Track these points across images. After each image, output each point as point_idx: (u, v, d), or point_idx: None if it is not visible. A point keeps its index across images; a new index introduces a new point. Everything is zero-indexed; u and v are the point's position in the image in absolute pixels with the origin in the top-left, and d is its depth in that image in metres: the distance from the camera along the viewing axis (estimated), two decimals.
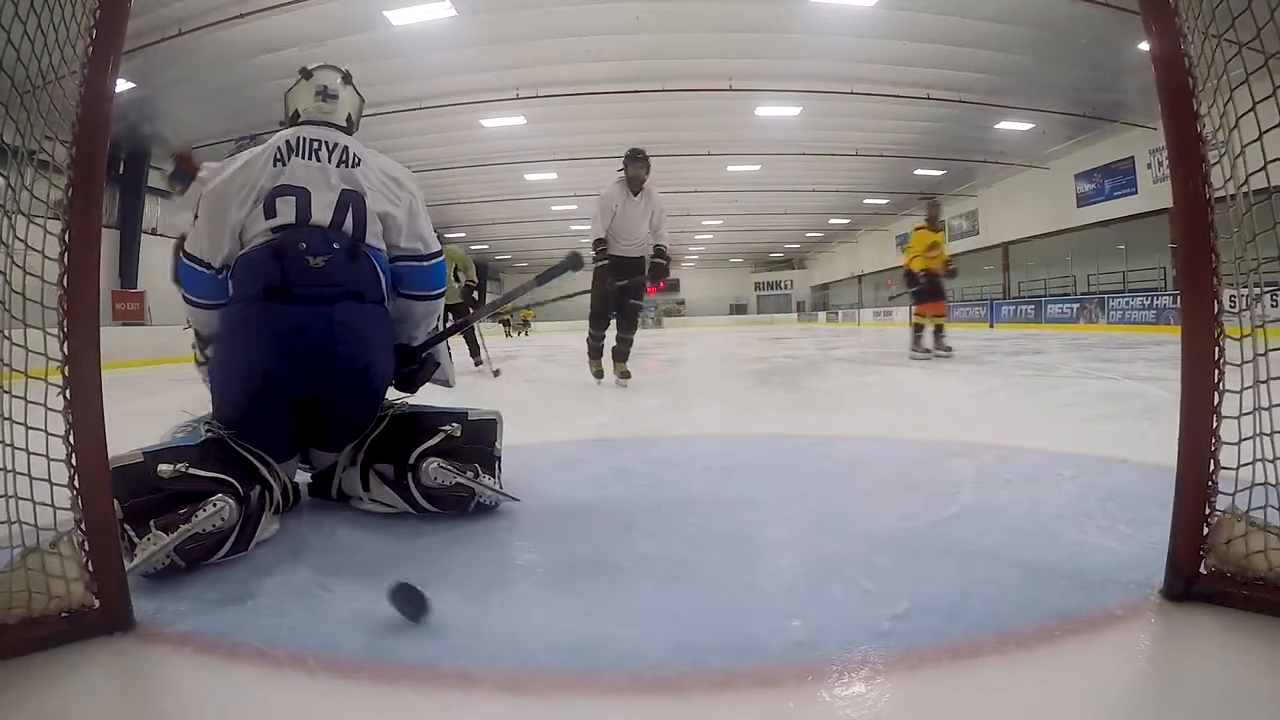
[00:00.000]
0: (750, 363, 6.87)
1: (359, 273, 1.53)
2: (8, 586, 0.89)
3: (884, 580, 1.09)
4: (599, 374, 4.46)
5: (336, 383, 1.51)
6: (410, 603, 0.96)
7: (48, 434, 0.92)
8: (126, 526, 1.16)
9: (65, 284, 0.92)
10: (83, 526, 0.94)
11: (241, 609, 1.05)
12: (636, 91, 11.95)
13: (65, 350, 0.93)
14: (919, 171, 18.30)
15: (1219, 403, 0.92)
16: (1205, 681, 0.80)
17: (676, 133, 14.77)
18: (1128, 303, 12.66)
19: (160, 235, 15.21)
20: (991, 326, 16.38)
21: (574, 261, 2.16)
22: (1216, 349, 0.92)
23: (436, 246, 1.73)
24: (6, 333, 0.90)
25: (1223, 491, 0.94)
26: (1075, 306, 14.33)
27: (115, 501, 1.08)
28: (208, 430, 1.43)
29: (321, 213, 1.52)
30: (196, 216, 1.58)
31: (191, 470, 1.27)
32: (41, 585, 0.90)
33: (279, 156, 1.56)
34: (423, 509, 1.50)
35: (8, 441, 0.91)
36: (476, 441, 1.60)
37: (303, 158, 1.56)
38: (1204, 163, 0.93)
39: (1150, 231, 14.53)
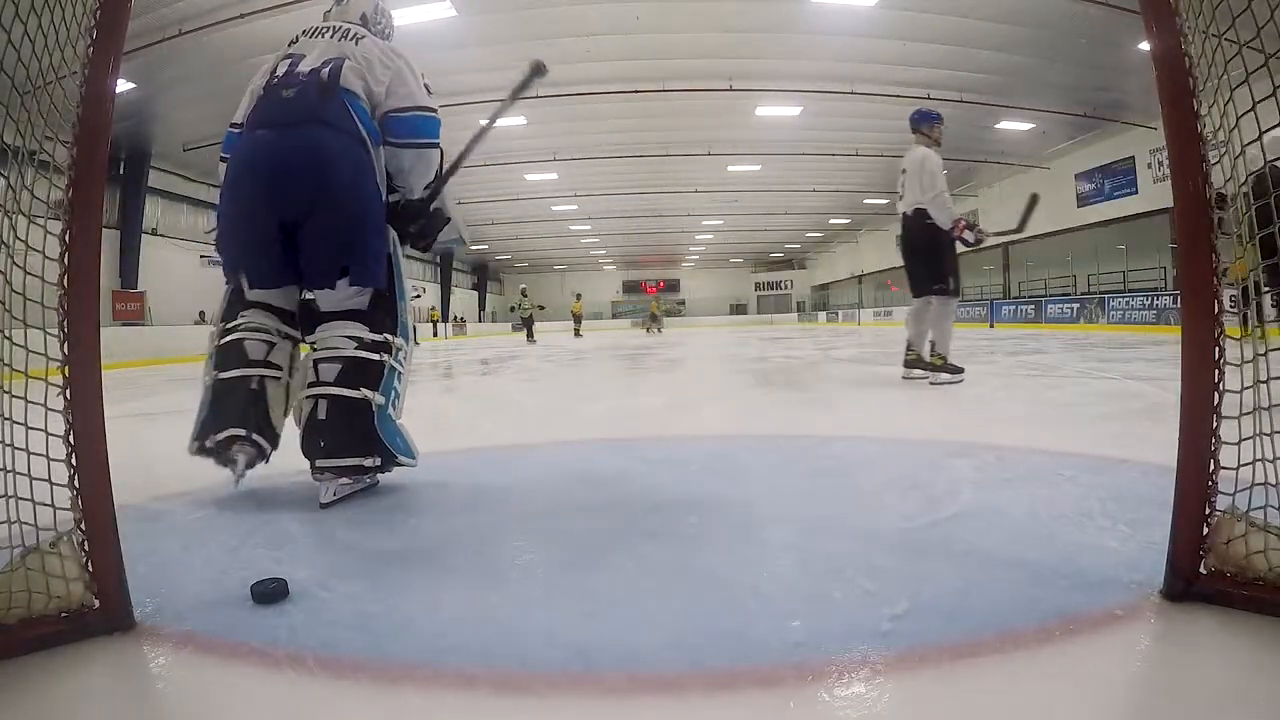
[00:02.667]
0: (750, 362, 6.87)
1: (328, 106, 1.67)
2: (7, 586, 0.89)
3: (884, 580, 1.09)
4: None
5: (314, 199, 1.63)
6: (271, 594, 1.05)
7: (48, 434, 0.92)
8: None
9: (65, 284, 0.92)
10: (82, 526, 0.94)
11: (241, 609, 1.05)
12: (636, 91, 11.95)
13: (65, 350, 0.93)
14: None
15: (1219, 403, 0.92)
16: (1205, 681, 0.80)
17: (676, 133, 14.78)
18: (1128, 303, 12.66)
19: (160, 235, 15.23)
20: (991, 326, 16.38)
21: (538, 69, 2.18)
22: (1216, 349, 0.92)
23: (425, 102, 1.83)
24: (7, 333, 0.90)
25: (1223, 491, 0.94)
26: (1075, 306, 14.33)
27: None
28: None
29: (304, 66, 1.72)
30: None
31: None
32: (41, 585, 0.90)
33: (292, 40, 1.84)
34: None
35: (8, 441, 0.91)
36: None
37: (308, 36, 1.82)
38: (1204, 162, 0.93)
39: (1150, 231, 14.53)
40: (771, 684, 0.80)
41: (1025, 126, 14.41)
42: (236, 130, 1.79)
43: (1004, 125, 14.34)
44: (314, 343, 1.71)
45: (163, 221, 15.55)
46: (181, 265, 15.46)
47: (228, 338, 1.72)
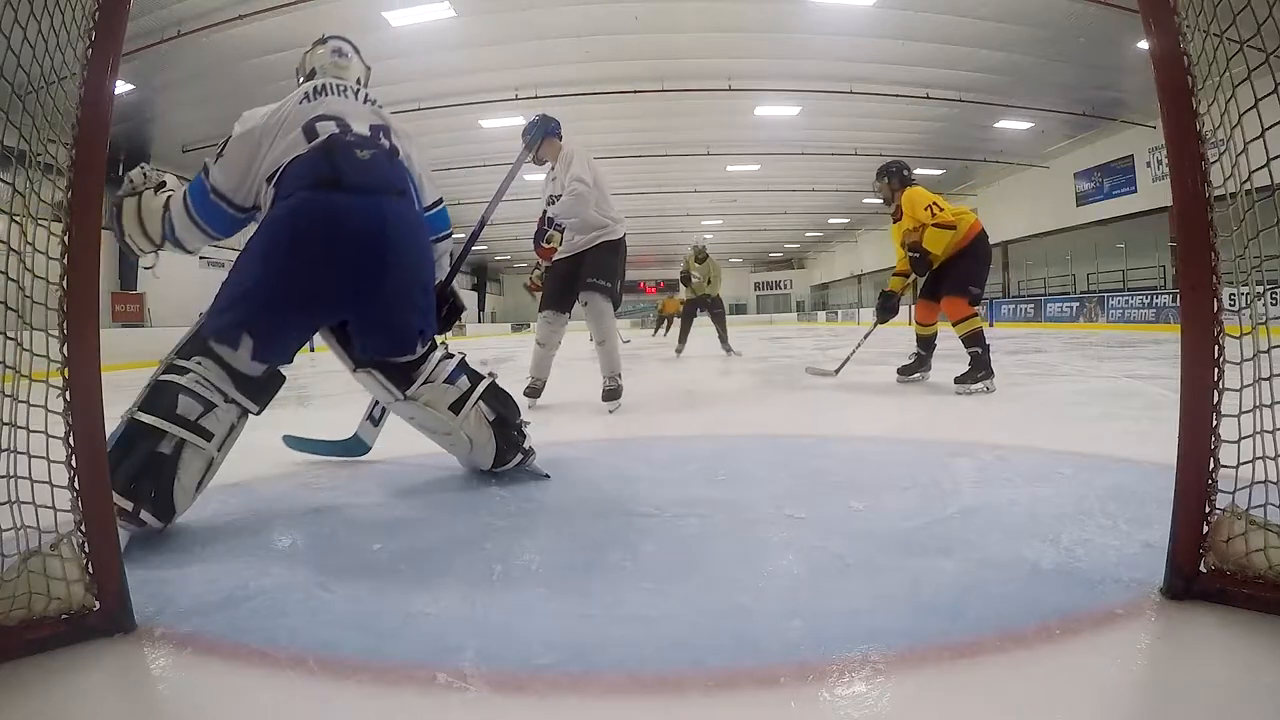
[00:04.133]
0: (750, 362, 6.86)
1: (401, 174, 1.61)
2: (9, 589, 0.89)
3: (884, 580, 1.09)
4: None
5: (388, 274, 1.51)
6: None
7: (48, 436, 0.92)
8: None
9: (65, 285, 0.92)
10: (83, 528, 0.94)
11: (241, 610, 1.05)
12: (636, 91, 11.95)
13: (65, 352, 0.93)
14: (919, 171, 18.18)
15: (1219, 401, 0.92)
16: (1205, 680, 0.80)
17: (676, 133, 14.77)
18: (1127, 301, 12.66)
19: None
20: (991, 325, 16.37)
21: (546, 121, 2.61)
22: (1216, 347, 0.92)
23: (439, 194, 1.86)
24: (7, 333, 0.90)
25: (1223, 490, 0.94)
26: (1075, 305, 14.32)
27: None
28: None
29: (360, 128, 1.60)
30: (221, 155, 1.60)
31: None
32: (42, 587, 0.90)
33: (309, 96, 1.63)
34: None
35: (8, 446, 0.91)
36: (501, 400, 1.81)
37: (334, 95, 1.65)
38: (1204, 161, 0.93)
39: (1150, 230, 14.53)
40: (771, 684, 0.80)
41: (1024, 125, 14.41)
42: (224, 206, 1.58)
43: (1003, 124, 14.34)
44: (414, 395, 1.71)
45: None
46: (181, 267, 15.42)
47: (167, 376, 1.43)
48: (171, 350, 1.49)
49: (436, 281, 1.78)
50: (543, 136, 3.37)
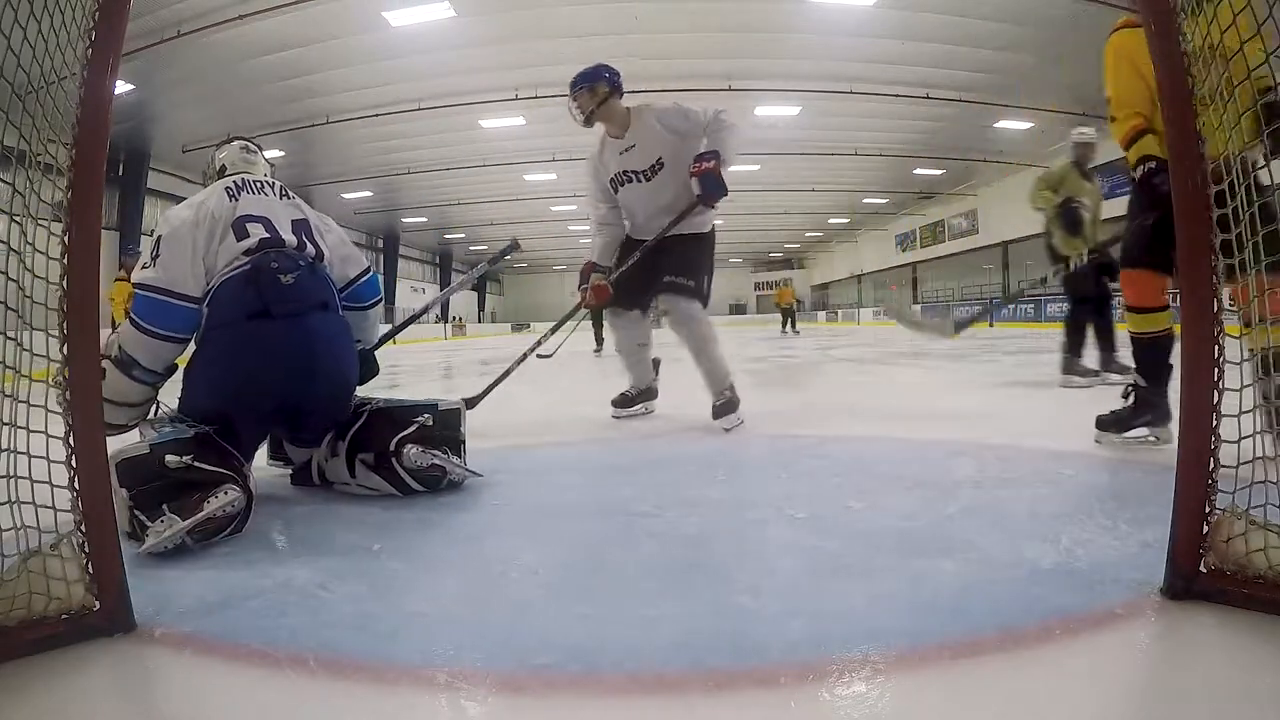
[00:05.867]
0: (750, 362, 6.86)
1: (322, 285, 1.73)
2: (9, 589, 0.89)
3: (884, 580, 1.09)
4: None
5: (318, 385, 1.69)
6: None
7: (48, 436, 0.92)
8: (136, 512, 1.31)
9: (65, 285, 0.92)
10: (83, 528, 0.94)
11: (241, 610, 1.05)
12: (636, 92, 11.92)
13: (65, 351, 0.93)
14: (918, 171, 18.32)
15: (1218, 401, 0.92)
16: (1205, 680, 0.80)
17: None
18: None
19: None
20: (991, 325, 16.37)
21: (514, 246, 2.44)
22: (1216, 347, 0.92)
23: (366, 262, 2.02)
24: (7, 333, 0.90)
25: (1222, 490, 0.94)
26: None
27: (124, 490, 1.30)
28: (191, 427, 1.54)
29: (286, 234, 1.71)
30: (156, 258, 1.61)
31: (197, 463, 1.40)
32: (42, 587, 0.90)
33: (231, 193, 1.71)
34: (407, 488, 1.69)
35: (8, 446, 0.91)
36: (445, 428, 1.79)
37: (251, 193, 1.74)
38: (1204, 161, 0.93)
39: None
40: (771, 684, 0.80)
41: (1024, 125, 14.42)
42: (185, 304, 1.60)
43: (1003, 124, 14.35)
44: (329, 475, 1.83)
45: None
46: None
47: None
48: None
49: (366, 347, 1.99)
50: (611, 89, 2.65)
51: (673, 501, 1.60)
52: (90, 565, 0.94)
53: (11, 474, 0.90)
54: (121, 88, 8.72)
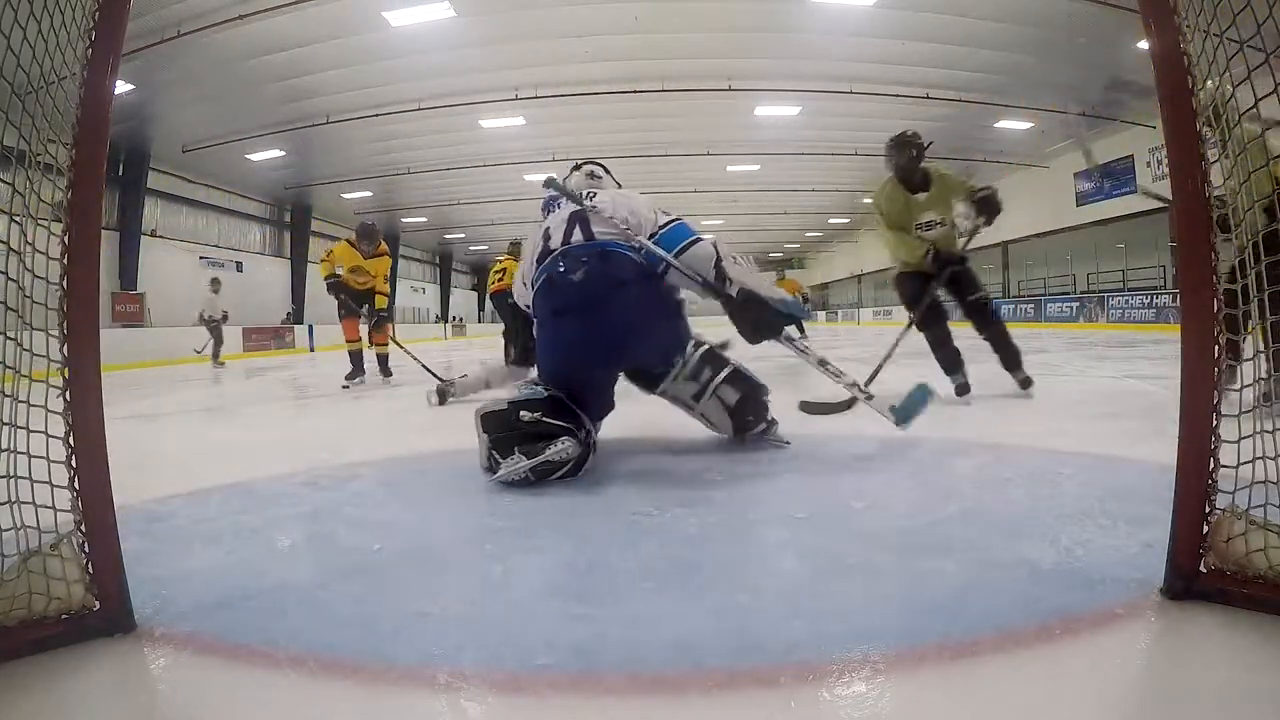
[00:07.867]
0: (749, 362, 6.85)
1: (617, 265, 1.97)
2: (9, 589, 0.89)
3: (884, 580, 1.09)
4: None
5: (624, 350, 2.04)
6: None
7: (48, 436, 0.92)
8: (494, 451, 1.79)
9: (65, 285, 0.92)
10: (83, 528, 0.94)
11: (241, 610, 1.05)
12: (636, 91, 11.95)
13: (65, 352, 0.93)
14: None
15: (1219, 401, 0.92)
16: (1205, 680, 0.80)
17: (676, 133, 14.77)
18: (1127, 301, 12.66)
19: (159, 237, 15.23)
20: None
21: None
22: (1216, 347, 0.92)
23: (665, 219, 2.17)
24: (7, 333, 0.90)
25: (1223, 490, 0.94)
26: (1075, 305, 14.32)
27: (485, 434, 1.83)
28: (546, 390, 1.93)
29: (558, 237, 2.03)
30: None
31: (545, 418, 1.82)
32: (42, 587, 0.90)
33: (543, 209, 2.25)
34: (729, 408, 2.19)
35: (8, 446, 0.91)
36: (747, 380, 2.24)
37: (549, 211, 2.19)
38: (1204, 161, 0.93)
39: (1150, 230, 14.52)
40: (771, 684, 0.80)
41: (1024, 125, 14.41)
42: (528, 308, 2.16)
43: (1003, 124, 14.33)
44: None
45: (162, 223, 15.52)
46: (180, 267, 15.44)
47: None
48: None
49: (712, 279, 2.10)
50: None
51: (673, 501, 1.60)
52: (90, 565, 0.94)
53: (11, 474, 0.90)
54: (121, 88, 8.72)
